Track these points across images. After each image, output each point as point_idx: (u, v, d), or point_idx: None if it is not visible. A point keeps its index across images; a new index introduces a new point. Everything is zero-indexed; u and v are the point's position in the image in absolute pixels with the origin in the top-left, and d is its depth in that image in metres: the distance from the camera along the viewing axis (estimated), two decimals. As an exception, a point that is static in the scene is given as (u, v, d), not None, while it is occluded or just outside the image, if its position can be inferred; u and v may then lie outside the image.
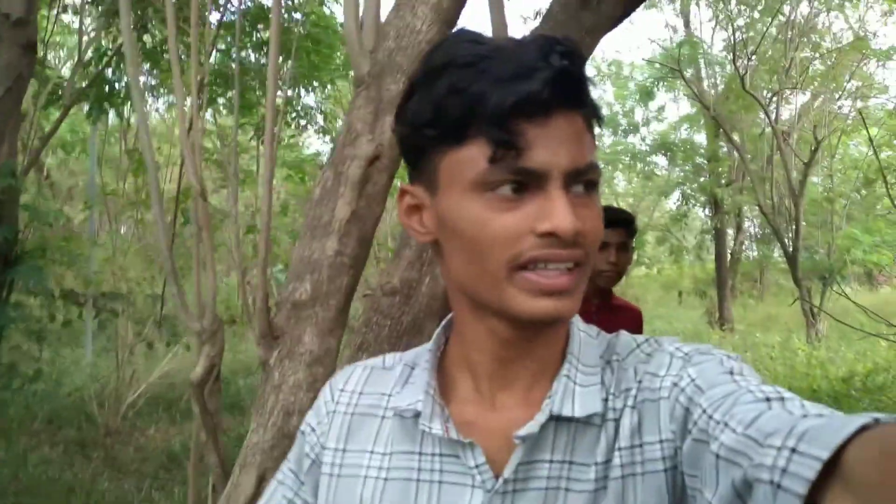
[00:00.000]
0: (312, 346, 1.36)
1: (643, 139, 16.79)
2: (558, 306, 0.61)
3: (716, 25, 12.36)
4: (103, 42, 6.40)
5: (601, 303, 2.37)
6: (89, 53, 6.21)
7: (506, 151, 0.58)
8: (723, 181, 13.12)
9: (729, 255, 13.41)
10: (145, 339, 6.04)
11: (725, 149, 13.12)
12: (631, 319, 2.40)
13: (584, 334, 0.70)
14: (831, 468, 0.41)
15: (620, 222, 2.29)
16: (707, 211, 14.68)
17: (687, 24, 12.85)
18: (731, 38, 10.69)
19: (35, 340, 4.86)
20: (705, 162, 13.82)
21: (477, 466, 0.65)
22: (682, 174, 15.18)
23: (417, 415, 0.68)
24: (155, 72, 7.13)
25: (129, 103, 6.24)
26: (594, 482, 0.63)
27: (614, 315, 2.31)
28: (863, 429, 0.41)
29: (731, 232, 14.24)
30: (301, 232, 1.45)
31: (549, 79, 0.57)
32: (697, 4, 12.69)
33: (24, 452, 5.32)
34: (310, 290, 1.38)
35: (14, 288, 3.75)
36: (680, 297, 15.97)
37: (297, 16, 6.73)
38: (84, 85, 6.00)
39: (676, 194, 14.86)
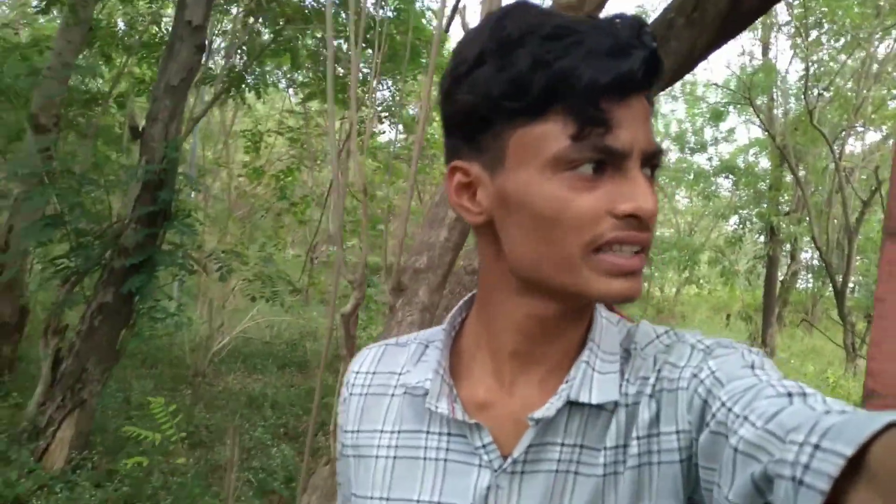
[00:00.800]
0: (424, 299, 2.04)
1: (709, 159, 16.95)
2: (633, 287, 0.60)
3: (793, 56, 12.42)
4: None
5: None
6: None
7: (592, 129, 0.57)
8: (782, 210, 13.27)
9: (780, 284, 13.59)
10: (249, 294, 6.85)
11: (789, 178, 13.27)
12: None
13: (605, 321, 0.70)
14: (855, 465, 0.40)
15: None
16: (763, 237, 14.83)
17: (765, 52, 13.05)
18: (806, 70, 10.87)
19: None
20: (767, 189, 13.99)
21: (484, 446, 0.65)
22: (743, 198, 15.32)
23: (426, 393, 0.68)
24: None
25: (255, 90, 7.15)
26: (603, 467, 0.63)
27: None
28: (889, 426, 0.40)
29: (785, 260, 14.37)
30: (424, 222, 2.14)
31: (645, 58, 0.57)
32: (777, 34, 12.87)
33: (131, 381, 6.23)
34: (425, 262, 2.05)
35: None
36: (728, 320, 16.11)
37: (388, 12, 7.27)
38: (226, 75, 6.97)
39: (735, 217, 15.03)
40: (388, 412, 0.72)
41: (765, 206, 13.59)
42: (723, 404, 0.55)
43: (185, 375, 6.84)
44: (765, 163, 15.42)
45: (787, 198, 13.71)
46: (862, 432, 0.40)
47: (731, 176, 15.70)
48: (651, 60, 0.57)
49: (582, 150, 0.57)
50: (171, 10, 7.26)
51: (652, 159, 0.61)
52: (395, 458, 0.69)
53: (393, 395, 0.73)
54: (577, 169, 0.58)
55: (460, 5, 3.73)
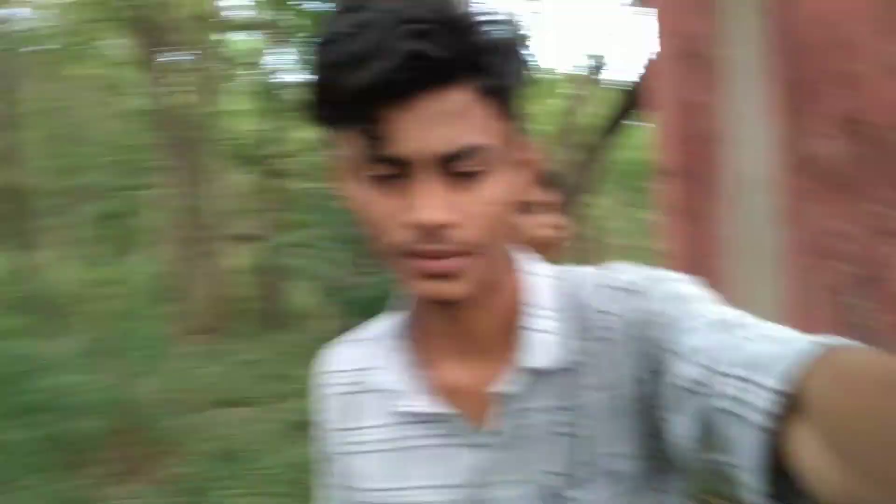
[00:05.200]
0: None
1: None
2: (442, 289, 0.60)
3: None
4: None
5: None
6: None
7: (371, 140, 0.55)
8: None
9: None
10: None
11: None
12: None
13: (538, 278, 0.70)
14: (788, 397, 0.42)
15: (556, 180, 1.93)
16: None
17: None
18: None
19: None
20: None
21: (462, 428, 0.67)
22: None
23: (398, 390, 0.69)
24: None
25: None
26: (572, 426, 0.64)
27: None
28: (812, 353, 0.42)
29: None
30: None
31: (387, 66, 0.52)
32: None
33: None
34: None
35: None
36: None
37: None
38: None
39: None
40: (367, 408, 0.73)
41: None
42: (658, 343, 0.58)
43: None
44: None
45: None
46: (790, 364, 0.43)
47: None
48: (406, 64, 0.52)
49: (366, 159, 0.57)
50: None
51: (456, 161, 0.56)
52: (383, 451, 0.70)
53: (365, 391, 0.73)
54: (370, 176, 0.58)
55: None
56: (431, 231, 0.57)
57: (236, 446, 4.43)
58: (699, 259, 4.45)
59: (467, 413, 0.67)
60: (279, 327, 8.54)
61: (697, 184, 4.50)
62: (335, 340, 0.81)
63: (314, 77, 0.56)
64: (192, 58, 8.42)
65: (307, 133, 11.21)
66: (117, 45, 11.09)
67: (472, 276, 0.60)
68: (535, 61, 0.63)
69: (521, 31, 0.60)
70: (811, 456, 0.40)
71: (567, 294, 0.69)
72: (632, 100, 5.42)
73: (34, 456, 4.34)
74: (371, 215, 0.59)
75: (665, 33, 4.67)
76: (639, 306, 0.63)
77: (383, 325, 0.76)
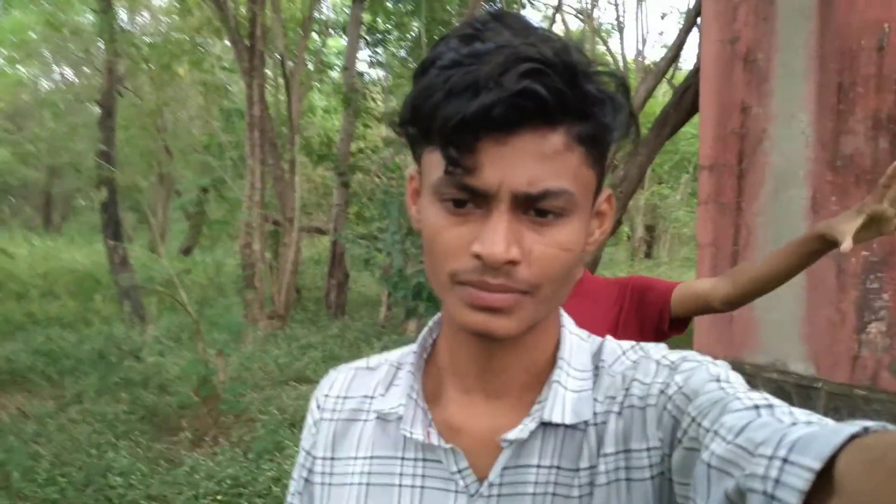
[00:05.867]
0: None
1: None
2: (490, 323, 0.58)
3: None
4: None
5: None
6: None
7: (455, 167, 0.56)
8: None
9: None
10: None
11: None
12: (614, 296, 1.83)
13: (575, 338, 0.69)
14: (823, 478, 0.40)
15: None
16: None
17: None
18: None
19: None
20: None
21: (459, 471, 0.64)
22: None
23: (399, 418, 0.67)
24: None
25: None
26: (579, 488, 0.62)
27: (584, 300, 1.73)
28: (852, 437, 0.40)
29: None
30: None
31: (498, 100, 0.53)
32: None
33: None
34: None
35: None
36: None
37: None
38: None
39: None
40: (360, 438, 0.71)
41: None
42: (693, 419, 0.55)
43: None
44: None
45: None
46: (827, 446, 0.40)
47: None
48: (515, 100, 0.53)
49: (448, 184, 0.57)
50: None
51: (535, 202, 0.57)
52: (368, 484, 0.68)
53: (366, 420, 0.71)
54: (447, 201, 0.58)
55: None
56: (496, 265, 0.56)
57: (299, 417, 4.89)
58: (732, 249, 4.63)
59: (469, 455, 0.65)
60: (344, 314, 9.08)
61: (733, 177, 4.68)
62: (347, 365, 0.79)
63: (420, 97, 0.56)
64: (285, 58, 8.99)
65: (382, 132, 11.72)
66: (218, 47, 11.91)
67: (523, 316, 0.59)
68: (635, 120, 0.62)
69: (627, 86, 0.60)
70: None
71: (600, 357, 0.68)
72: (692, 95, 5.54)
73: (132, 423, 4.96)
74: (440, 239, 0.59)
75: (709, 38, 4.83)
76: (676, 381, 0.60)
77: (401, 355, 0.75)
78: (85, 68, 15.40)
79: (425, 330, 0.74)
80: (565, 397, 0.64)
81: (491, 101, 0.53)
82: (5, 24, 14.51)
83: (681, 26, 6.28)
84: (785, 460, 0.43)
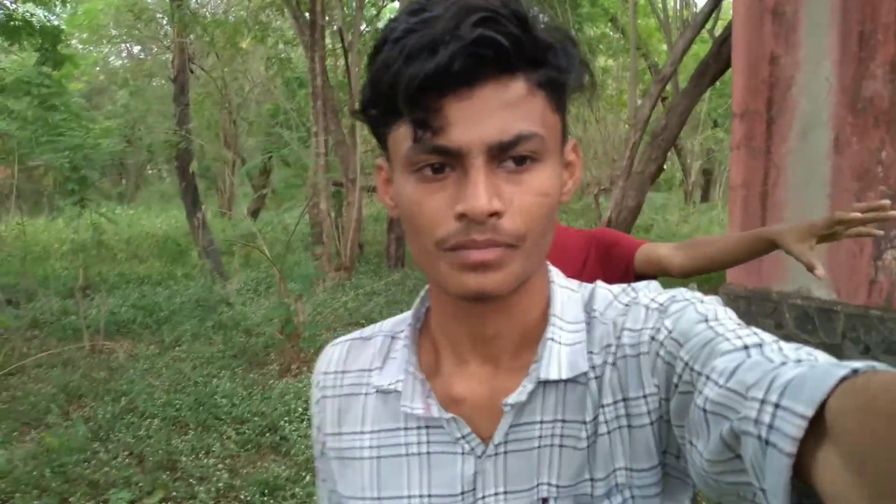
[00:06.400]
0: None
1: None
2: (484, 281, 0.58)
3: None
4: None
5: None
6: None
7: (424, 131, 0.56)
8: None
9: None
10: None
11: None
12: (580, 245, 1.89)
13: (565, 290, 0.69)
14: (815, 422, 0.40)
15: None
16: None
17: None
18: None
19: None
20: None
21: (464, 437, 0.65)
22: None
23: (399, 393, 0.68)
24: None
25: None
26: (587, 440, 0.63)
27: (552, 249, 1.46)
28: (842, 380, 0.40)
29: None
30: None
31: (457, 52, 0.53)
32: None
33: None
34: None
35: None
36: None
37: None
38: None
39: None
40: (364, 413, 0.72)
41: None
42: (685, 364, 0.56)
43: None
44: None
45: None
46: (818, 390, 0.40)
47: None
48: (471, 50, 0.53)
49: (419, 151, 0.57)
50: None
51: (509, 149, 0.56)
52: (379, 458, 0.69)
53: (366, 394, 0.72)
54: (422, 170, 0.58)
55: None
56: (481, 220, 0.56)
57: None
58: (762, 189, 4.99)
59: (472, 421, 0.66)
60: (403, 266, 9.71)
61: (762, 123, 5.02)
62: (342, 338, 0.79)
63: (379, 73, 0.56)
64: (343, 30, 9.48)
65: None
66: (284, 20, 12.52)
67: (513, 270, 0.59)
68: (588, 66, 0.62)
69: (571, 36, 0.60)
70: (836, 481, 0.39)
71: (590, 305, 0.69)
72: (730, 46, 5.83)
73: (226, 360, 5.71)
74: (421, 210, 0.58)
75: (740, -10, 5.13)
76: (666, 326, 0.61)
77: (394, 325, 0.75)
78: (153, 46, 16.27)
79: (417, 300, 0.74)
80: (560, 353, 0.65)
81: (450, 53, 0.53)
82: (81, 12, 15.42)
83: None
84: (777, 405, 0.43)
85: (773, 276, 4.95)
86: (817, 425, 0.40)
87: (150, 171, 24.24)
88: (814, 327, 4.68)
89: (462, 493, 0.65)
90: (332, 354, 0.77)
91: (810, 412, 0.40)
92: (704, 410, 0.51)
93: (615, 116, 11.98)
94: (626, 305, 0.67)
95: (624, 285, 0.70)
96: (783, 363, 0.48)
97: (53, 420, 4.37)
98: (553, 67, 0.58)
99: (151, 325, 6.78)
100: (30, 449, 3.93)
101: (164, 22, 13.97)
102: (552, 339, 0.65)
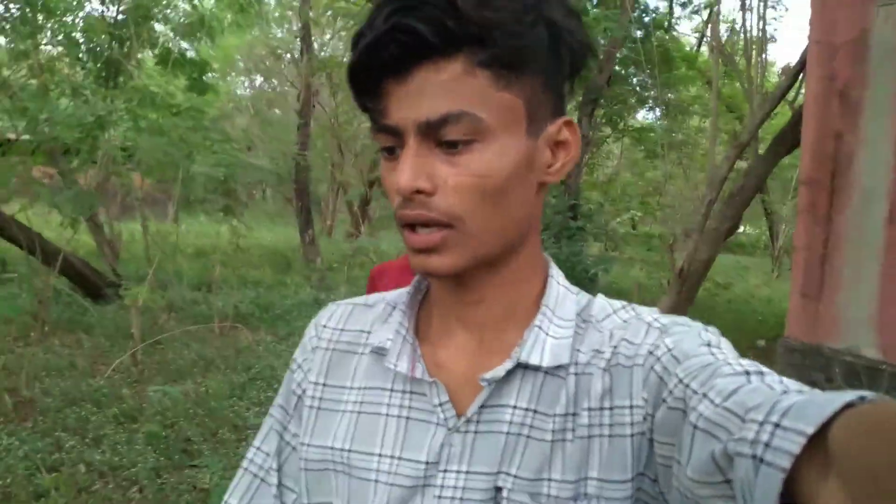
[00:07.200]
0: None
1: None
2: (427, 262, 0.62)
3: None
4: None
5: None
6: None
7: (369, 114, 0.61)
8: None
9: None
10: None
11: None
12: None
13: (562, 289, 0.70)
14: (815, 445, 0.39)
15: None
16: None
17: None
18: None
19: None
20: None
21: (441, 404, 0.66)
22: None
23: (386, 352, 0.70)
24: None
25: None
26: (552, 433, 0.63)
27: None
28: (847, 406, 0.39)
29: None
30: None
31: (372, 42, 0.56)
32: None
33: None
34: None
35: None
36: None
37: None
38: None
39: None
40: (356, 370, 0.73)
41: None
42: (680, 381, 0.55)
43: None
44: None
45: None
46: (822, 412, 0.40)
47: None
48: (385, 40, 0.56)
49: (374, 133, 0.62)
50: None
51: (437, 128, 0.58)
52: (359, 413, 0.70)
53: (361, 353, 0.74)
54: (383, 151, 0.62)
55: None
56: (406, 195, 0.59)
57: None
58: (822, 252, 5.54)
59: (451, 391, 0.67)
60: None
61: (825, 192, 5.59)
62: (343, 300, 0.81)
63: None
64: None
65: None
66: None
67: (457, 251, 0.61)
68: (579, 39, 0.62)
69: (535, 7, 0.59)
70: None
71: (590, 313, 0.69)
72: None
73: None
74: (385, 189, 0.63)
75: (812, 74, 5.78)
76: (666, 343, 0.61)
77: (398, 295, 0.77)
78: (274, 80, 17.99)
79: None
80: (545, 342, 0.65)
81: (365, 45, 0.57)
82: (219, 49, 17.29)
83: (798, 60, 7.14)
84: (777, 425, 0.42)
85: (828, 333, 5.47)
86: (817, 448, 0.39)
87: (255, 193, 26.15)
88: (860, 383, 5.14)
89: (427, 463, 0.65)
90: (336, 311, 0.79)
91: (811, 430, 0.40)
92: (696, 427, 0.50)
93: (705, 175, 12.51)
94: (626, 321, 0.67)
95: (624, 303, 0.71)
96: (785, 392, 0.47)
97: (196, 380, 5.37)
98: (503, 46, 0.57)
99: (268, 320, 7.80)
100: (188, 391, 4.93)
101: (287, 58, 15.53)
102: (539, 328, 0.66)
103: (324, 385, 0.74)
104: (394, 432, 0.68)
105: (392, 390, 0.70)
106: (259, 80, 20.08)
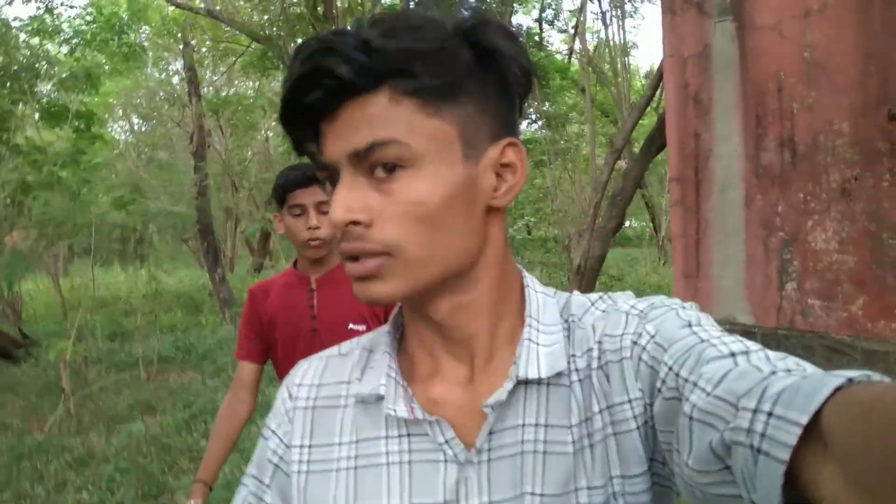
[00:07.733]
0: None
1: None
2: (367, 290, 0.61)
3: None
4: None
5: (322, 277, 2.00)
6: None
7: (314, 157, 0.63)
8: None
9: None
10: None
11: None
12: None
13: (541, 295, 0.70)
14: (809, 431, 0.40)
15: (312, 179, 1.91)
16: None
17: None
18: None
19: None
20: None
21: (447, 441, 0.64)
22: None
23: (381, 399, 0.67)
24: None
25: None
26: (573, 444, 0.62)
27: (342, 286, 1.94)
28: (837, 389, 0.40)
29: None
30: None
31: (292, 87, 0.58)
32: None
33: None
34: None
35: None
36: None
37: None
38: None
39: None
40: (342, 424, 0.70)
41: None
42: (670, 369, 0.55)
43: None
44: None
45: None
46: (813, 398, 0.40)
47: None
48: (301, 86, 0.58)
49: (319, 170, 0.63)
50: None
51: (364, 157, 0.58)
52: (356, 468, 0.67)
53: (345, 406, 0.71)
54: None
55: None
56: (339, 229, 0.59)
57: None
58: (695, 238, 6.35)
59: (454, 425, 0.65)
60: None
61: (692, 186, 6.41)
62: (314, 355, 0.77)
63: None
64: None
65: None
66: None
67: (396, 278, 0.60)
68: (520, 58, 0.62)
69: (469, 31, 0.60)
70: (832, 490, 0.39)
71: (567, 311, 0.69)
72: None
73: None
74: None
75: (669, 83, 6.63)
76: (648, 330, 0.61)
77: (372, 339, 0.75)
78: (158, 123, 17.72)
79: (395, 311, 0.74)
80: (538, 352, 0.65)
81: (285, 91, 0.59)
82: (102, 96, 16.90)
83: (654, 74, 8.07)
84: (770, 414, 0.42)
85: (707, 304, 6.24)
86: (811, 434, 0.40)
87: (154, 237, 25.41)
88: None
89: (445, 502, 0.63)
90: (308, 367, 0.76)
91: (804, 420, 0.40)
92: (691, 418, 0.50)
93: (588, 177, 13.43)
94: (605, 312, 0.67)
95: (601, 293, 0.70)
96: (773, 372, 0.47)
97: (138, 422, 5.50)
98: (428, 75, 0.58)
99: (191, 360, 7.91)
100: (132, 432, 5.09)
101: (173, 100, 15.43)
102: (529, 340, 0.65)
103: (310, 447, 0.71)
104: (398, 480, 0.65)
105: (387, 437, 0.67)
106: (143, 124, 19.66)
